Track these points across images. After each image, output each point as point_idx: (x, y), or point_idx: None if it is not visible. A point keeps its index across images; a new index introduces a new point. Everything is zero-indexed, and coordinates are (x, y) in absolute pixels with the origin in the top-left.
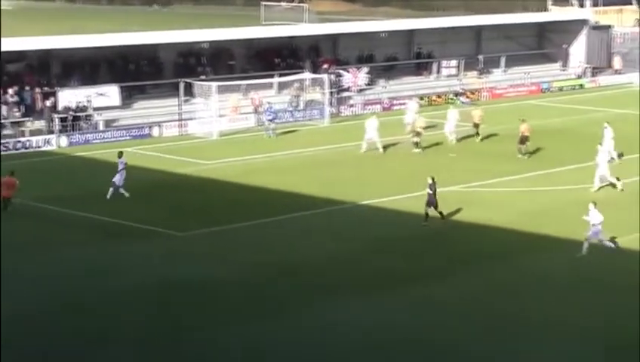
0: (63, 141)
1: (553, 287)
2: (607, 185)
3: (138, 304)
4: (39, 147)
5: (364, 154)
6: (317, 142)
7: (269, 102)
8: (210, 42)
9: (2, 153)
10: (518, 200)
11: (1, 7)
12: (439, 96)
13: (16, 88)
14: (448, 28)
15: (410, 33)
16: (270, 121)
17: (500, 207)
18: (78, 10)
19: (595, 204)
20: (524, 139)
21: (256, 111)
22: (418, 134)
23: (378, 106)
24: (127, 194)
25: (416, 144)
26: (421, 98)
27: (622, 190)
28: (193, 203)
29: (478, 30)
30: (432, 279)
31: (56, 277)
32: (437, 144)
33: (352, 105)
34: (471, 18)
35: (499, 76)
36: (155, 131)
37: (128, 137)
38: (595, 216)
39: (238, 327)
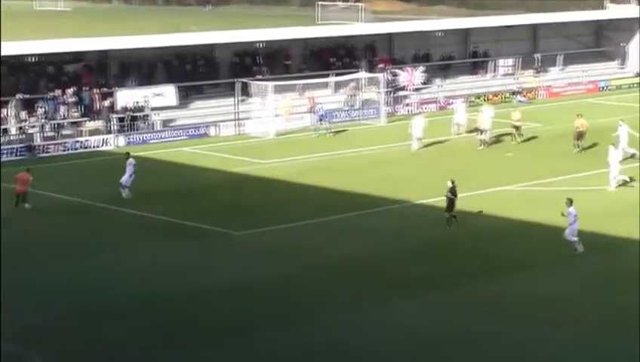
0: (121, 141)
1: (611, 288)
2: (622, 184)
3: (192, 305)
4: (97, 147)
5: (420, 153)
6: (373, 141)
7: (318, 102)
8: (266, 42)
9: (61, 153)
10: (575, 199)
11: (60, 9)
12: (496, 95)
13: (74, 88)
14: (504, 26)
15: (466, 32)
16: (320, 120)
17: (556, 207)
18: (134, 11)
19: (571, 201)
20: (580, 135)
21: (311, 111)
22: (482, 132)
23: (434, 105)
24: (124, 195)
25: (482, 141)
26: (477, 97)
27: (632, 186)
28: (250, 202)
29: (534, 28)
30: (483, 279)
31: (111, 277)
32: (494, 143)
33: (408, 105)
34: (527, 16)
35: (556, 75)
36: (212, 131)
37: (185, 137)
38: (572, 214)
39: (292, 328)
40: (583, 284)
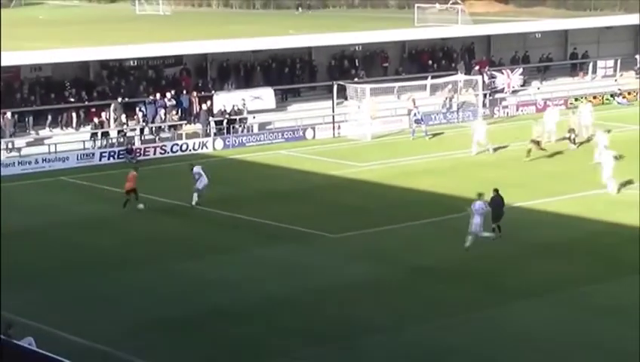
0: (219, 144)
1: None
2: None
3: (287, 307)
4: (195, 150)
5: (517, 156)
6: (469, 144)
7: (416, 105)
8: (364, 45)
9: (160, 156)
10: None
11: (161, 13)
12: (595, 97)
13: (173, 92)
14: (604, 27)
15: (565, 33)
16: (417, 123)
17: None
18: (233, 14)
19: (480, 195)
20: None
21: (409, 113)
22: (572, 131)
23: (532, 108)
24: (198, 201)
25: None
26: (576, 99)
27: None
28: (347, 204)
29: (635, 29)
30: (590, 283)
31: (212, 279)
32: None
33: (505, 107)
34: (628, 17)
35: None
36: (309, 133)
37: (282, 140)
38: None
39: (394, 330)
40: None
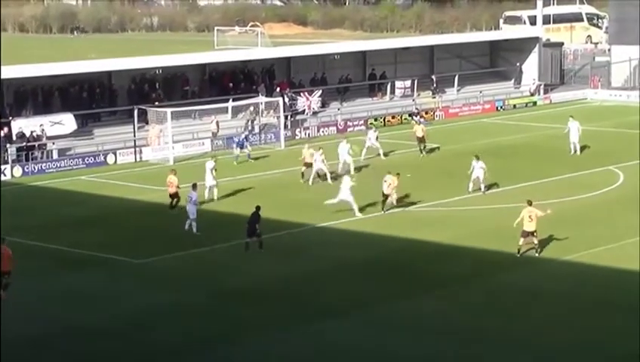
0: (17, 171)
1: (520, 303)
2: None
3: (89, 336)
4: None
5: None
6: (272, 165)
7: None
8: (164, 68)
9: None
10: (477, 218)
11: None
12: (393, 117)
13: None
14: (401, 48)
15: (363, 54)
16: (241, 147)
17: (458, 226)
18: (30, 39)
19: (194, 186)
20: (421, 140)
21: (214, 136)
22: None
23: (333, 128)
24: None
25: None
26: (375, 119)
27: None
28: (150, 229)
29: (430, 50)
30: (401, 300)
31: (18, 307)
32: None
33: (306, 128)
34: (423, 38)
35: (453, 95)
36: (110, 159)
37: (83, 165)
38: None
39: (198, 354)
40: (490, 301)
